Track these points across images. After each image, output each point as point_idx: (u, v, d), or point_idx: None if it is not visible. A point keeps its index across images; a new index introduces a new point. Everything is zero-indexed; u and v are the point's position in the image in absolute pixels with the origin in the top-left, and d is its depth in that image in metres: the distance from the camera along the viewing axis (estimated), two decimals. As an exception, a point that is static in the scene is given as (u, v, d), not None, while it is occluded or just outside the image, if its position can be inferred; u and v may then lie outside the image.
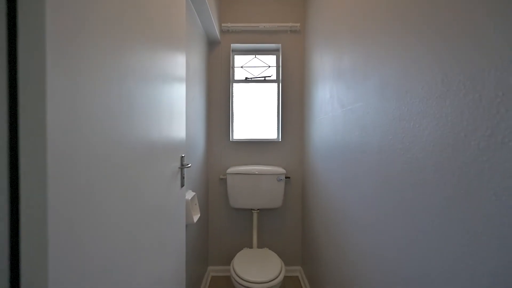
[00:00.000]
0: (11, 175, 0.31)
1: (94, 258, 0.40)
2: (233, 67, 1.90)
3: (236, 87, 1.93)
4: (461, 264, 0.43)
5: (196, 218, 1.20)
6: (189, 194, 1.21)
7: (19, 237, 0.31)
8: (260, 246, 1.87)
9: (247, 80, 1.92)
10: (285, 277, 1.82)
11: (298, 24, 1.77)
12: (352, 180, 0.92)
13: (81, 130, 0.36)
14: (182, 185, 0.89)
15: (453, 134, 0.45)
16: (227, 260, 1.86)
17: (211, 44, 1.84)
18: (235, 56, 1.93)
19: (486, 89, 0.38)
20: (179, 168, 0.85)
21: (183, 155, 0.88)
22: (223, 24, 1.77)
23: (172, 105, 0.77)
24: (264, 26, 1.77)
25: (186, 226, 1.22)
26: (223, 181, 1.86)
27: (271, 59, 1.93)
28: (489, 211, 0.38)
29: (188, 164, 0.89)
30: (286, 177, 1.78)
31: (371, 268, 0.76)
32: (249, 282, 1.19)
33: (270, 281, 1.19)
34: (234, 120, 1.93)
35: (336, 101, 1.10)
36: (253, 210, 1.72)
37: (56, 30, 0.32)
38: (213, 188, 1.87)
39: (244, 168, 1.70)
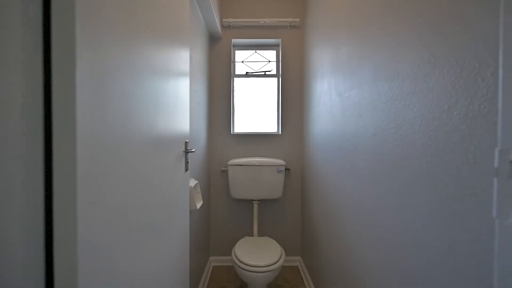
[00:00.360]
0: (46, 172, 0.34)
1: (106, 246, 0.42)
2: (234, 62, 1.94)
3: (236, 81, 1.97)
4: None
5: (199, 205, 1.24)
6: (192, 182, 1.25)
7: (53, 222, 0.35)
8: (260, 236, 1.91)
9: (247, 75, 1.96)
10: (285, 267, 1.86)
11: (298, 19, 1.81)
12: (350, 168, 0.95)
13: (101, 122, 0.40)
14: (186, 170, 0.94)
15: (438, 108, 0.49)
16: (228, 250, 1.91)
17: (213, 40, 1.88)
18: (236, 51, 1.97)
19: (466, 62, 0.42)
20: (183, 152, 0.89)
21: (187, 140, 0.93)
22: (224, 20, 1.82)
23: (177, 96, 0.81)
24: (265, 21, 1.81)
25: (190, 212, 1.26)
26: (224, 173, 1.90)
27: (271, 54, 1.98)
28: (468, 173, 0.42)
29: (192, 149, 0.93)
30: (286, 169, 1.82)
31: (370, 257, 0.78)
32: (250, 266, 1.23)
33: (271, 265, 1.24)
34: (235, 114, 1.97)
35: (334, 91, 1.14)
36: (254, 200, 1.76)
37: (82, 32, 0.35)
38: (215, 180, 1.91)
39: (245, 159, 1.75)
